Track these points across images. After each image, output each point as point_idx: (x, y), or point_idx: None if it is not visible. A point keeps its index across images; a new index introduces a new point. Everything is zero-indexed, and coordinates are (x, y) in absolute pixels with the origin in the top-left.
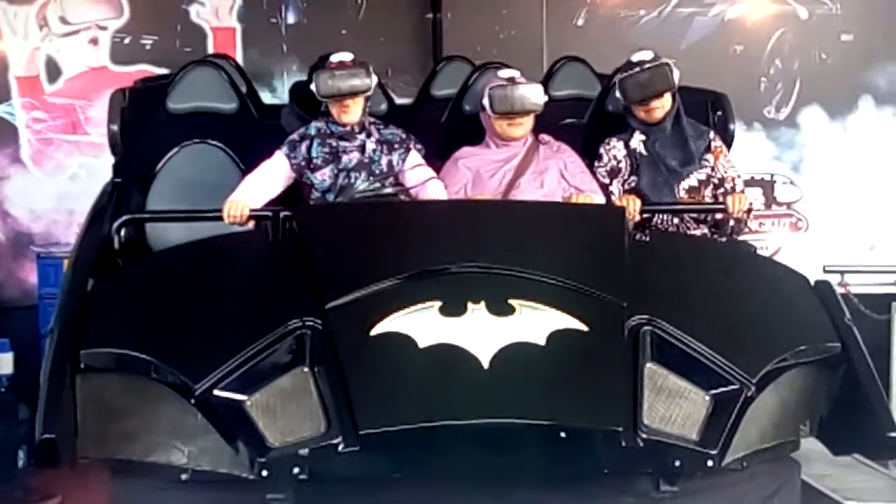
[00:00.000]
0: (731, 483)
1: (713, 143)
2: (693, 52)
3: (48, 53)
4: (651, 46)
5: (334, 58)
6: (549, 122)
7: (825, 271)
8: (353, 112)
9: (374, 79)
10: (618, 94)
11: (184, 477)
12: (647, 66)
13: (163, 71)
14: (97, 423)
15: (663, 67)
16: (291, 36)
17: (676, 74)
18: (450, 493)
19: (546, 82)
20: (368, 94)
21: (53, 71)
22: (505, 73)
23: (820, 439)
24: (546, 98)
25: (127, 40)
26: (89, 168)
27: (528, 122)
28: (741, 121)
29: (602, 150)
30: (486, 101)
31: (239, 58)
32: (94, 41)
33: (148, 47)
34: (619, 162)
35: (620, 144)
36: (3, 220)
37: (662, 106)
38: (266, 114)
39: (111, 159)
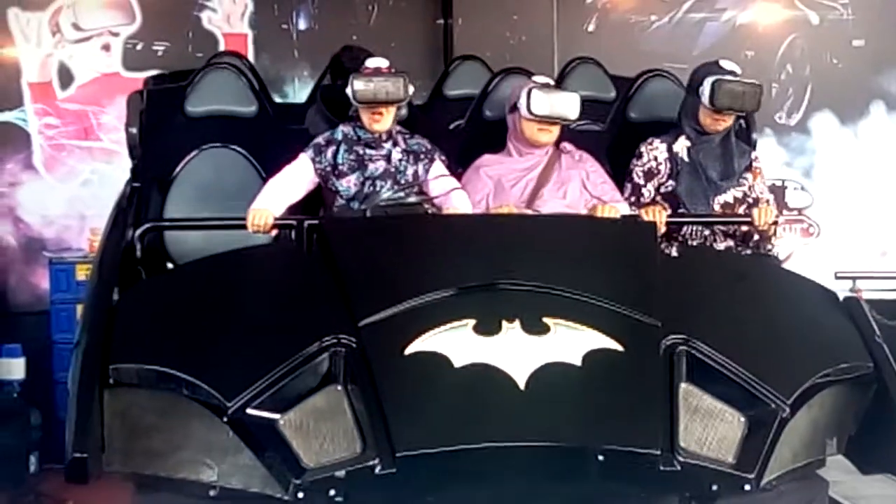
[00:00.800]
0: (760, 501)
1: (754, 164)
2: (704, 57)
3: (61, 60)
4: (662, 52)
5: (370, 63)
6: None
7: (837, 277)
8: (384, 121)
9: (412, 89)
10: (705, 89)
11: (212, 493)
12: (745, 80)
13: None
14: (124, 437)
15: (760, 88)
16: (303, 42)
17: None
18: None
19: (559, 83)
20: (402, 103)
21: (66, 77)
22: (541, 78)
23: (847, 457)
24: (579, 110)
25: (139, 46)
26: (101, 174)
27: (557, 130)
28: None
29: (643, 149)
30: (521, 102)
31: None
32: (107, 47)
33: (160, 53)
34: (658, 163)
35: (664, 146)
36: (16, 225)
37: (729, 121)
38: (280, 113)
39: (123, 165)
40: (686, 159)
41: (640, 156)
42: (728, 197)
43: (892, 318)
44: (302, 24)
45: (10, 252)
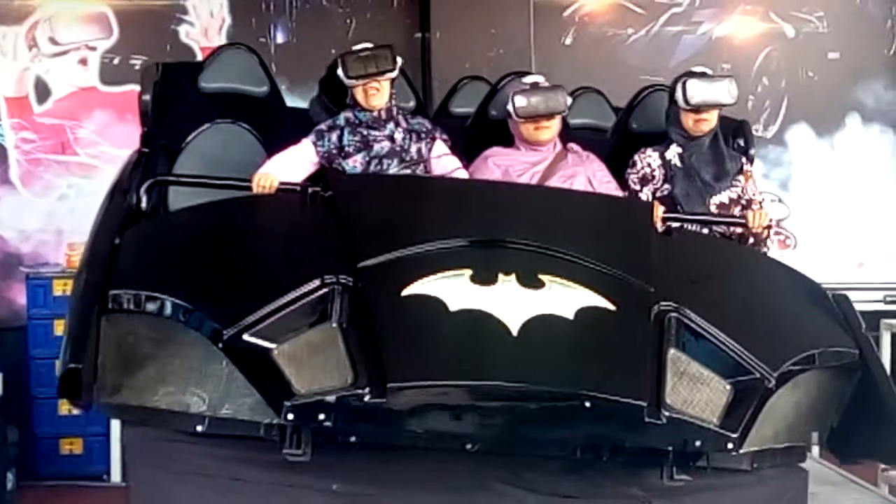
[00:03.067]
0: (739, 485)
1: (745, 167)
2: (681, 70)
3: (37, 74)
4: (639, 65)
5: (357, 47)
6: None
7: None
8: (380, 95)
9: (399, 61)
10: (678, 93)
11: (199, 428)
12: (716, 74)
13: None
14: (118, 367)
15: (733, 81)
16: (281, 56)
17: (737, 91)
18: (462, 469)
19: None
20: (394, 76)
21: (42, 91)
22: (529, 78)
23: (829, 447)
24: (570, 99)
25: (116, 60)
26: (78, 188)
27: (554, 125)
28: None
29: (637, 158)
30: (510, 107)
31: None
32: (84, 62)
33: (137, 67)
34: (652, 170)
35: (656, 154)
36: None
37: (711, 120)
38: (290, 118)
39: (101, 179)
40: (679, 164)
41: (633, 164)
42: (723, 198)
43: (869, 330)
44: (280, 38)
45: None
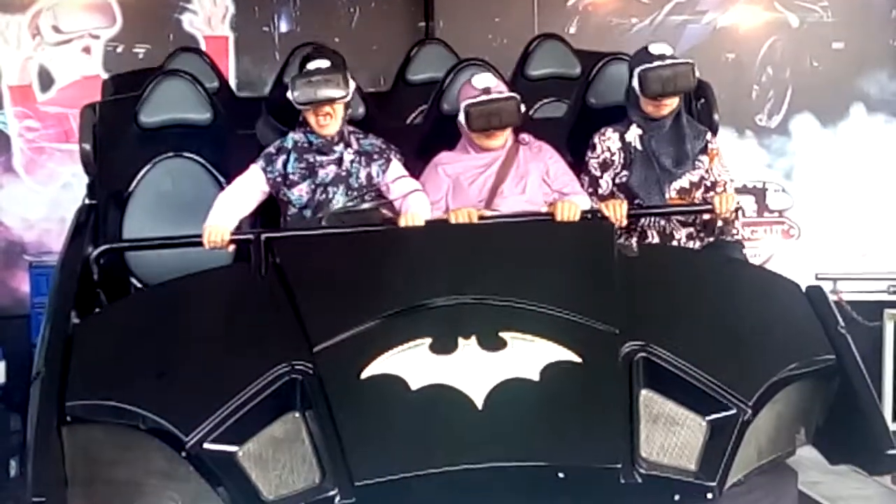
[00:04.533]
0: (728, 496)
1: (710, 145)
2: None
3: (41, 62)
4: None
5: (311, 65)
6: (528, 103)
7: (817, 278)
8: (333, 122)
9: (353, 85)
10: (634, 83)
11: None
12: (671, 62)
13: None
14: (87, 473)
15: (689, 67)
16: (284, 44)
17: (696, 74)
18: None
19: (522, 62)
20: (347, 100)
21: (46, 80)
22: (479, 80)
23: (816, 447)
24: (523, 109)
25: (119, 49)
26: (82, 177)
27: (506, 132)
28: (733, 128)
29: (596, 140)
30: (461, 118)
31: (231, 66)
32: (87, 50)
33: (140, 56)
34: (612, 154)
35: (616, 136)
36: None
37: (672, 104)
38: (241, 108)
39: None
40: (639, 148)
41: (593, 147)
42: (683, 182)
43: (872, 319)
44: (283, 27)
45: None
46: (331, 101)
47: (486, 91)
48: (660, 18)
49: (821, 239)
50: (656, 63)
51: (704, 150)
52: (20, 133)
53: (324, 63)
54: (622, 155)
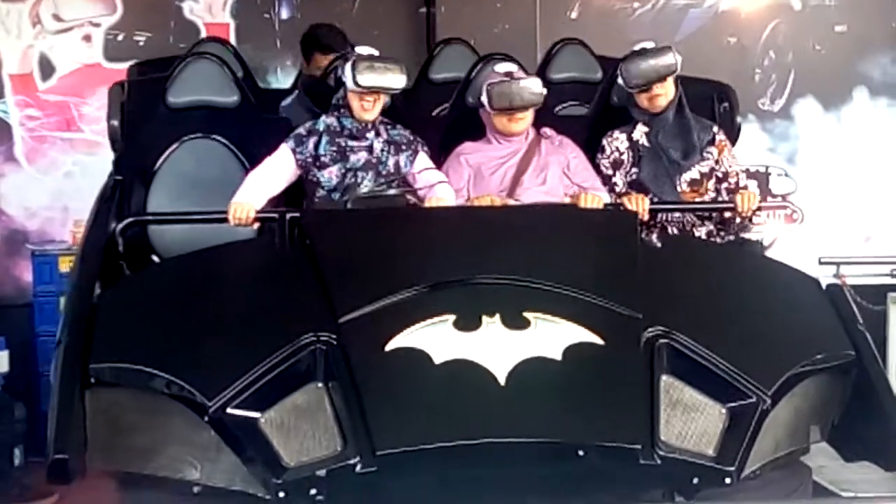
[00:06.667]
0: (743, 489)
1: (717, 137)
2: (687, 44)
3: (41, 51)
4: (645, 38)
5: (362, 50)
6: (549, 105)
7: (821, 263)
8: (375, 109)
9: (405, 79)
10: (620, 80)
11: (195, 490)
12: (651, 50)
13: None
14: (107, 436)
15: (665, 51)
16: (285, 31)
17: (678, 59)
18: None
19: (544, 66)
20: (397, 92)
21: (47, 68)
22: (502, 67)
23: (831, 444)
24: (544, 91)
25: (120, 37)
26: (84, 165)
27: (528, 115)
28: None
29: (605, 142)
30: (484, 98)
31: None
32: (88, 38)
33: (141, 44)
34: (621, 154)
35: (623, 136)
36: None
37: (665, 93)
38: (264, 100)
39: (106, 156)
40: (646, 144)
41: (603, 149)
42: (694, 174)
43: (876, 304)
44: (284, 14)
45: None
46: (388, 90)
47: (509, 75)
48: (661, 3)
49: (824, 223)
50: (635, 58)
51: (713, 142)
52: (21, 122)
53: (374, 51)
54: (631, 153)
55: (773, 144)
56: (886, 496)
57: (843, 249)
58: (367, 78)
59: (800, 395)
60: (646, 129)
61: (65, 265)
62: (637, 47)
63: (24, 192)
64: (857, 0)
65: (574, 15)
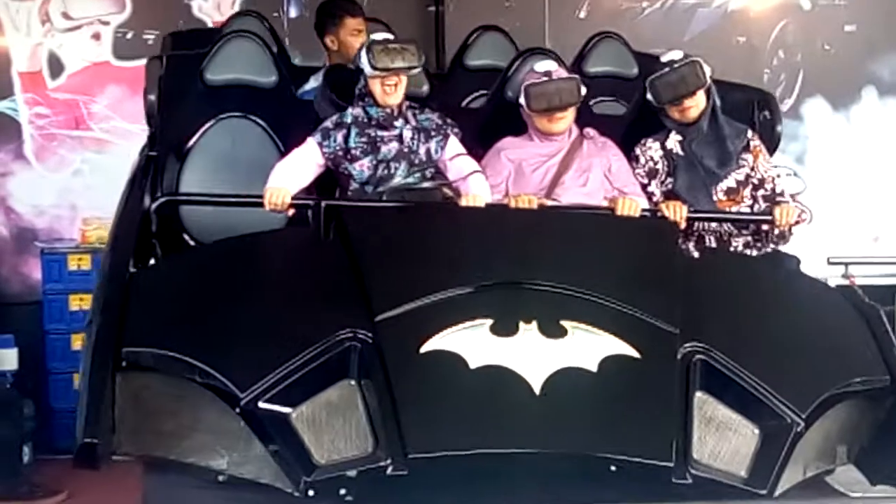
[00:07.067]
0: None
1: (752, 143)
2: (696, 43)
3: (50, 49)
4: (654, 39)
5: (377, 35)
6: (585, 100)
7: (829, 263)
8: (398, 92)
9: (423, 57)
10: (649, 96)
11: (221, 479)
12: (677, 65)
13: None
14: (136, 419)
15: (694, 65)
16: (294, 29)
17: (708, 71)
18: None
19: (580, 59)
20: (417, 72)
21: (56, 66)
22: (542, 65)
23: (858, 466)
24: (584, 90)
25: (129, 35)
26: (92, 163)
27: (569, 115)
28: None
29: (638, 152)
30: (522, 99)
31: None
32: (97, 36)
33: (150, 42)
34: (655, 163)
35: (657, 145)
36: (7, 215)
37: (696, 105)
38: (298, 75)
39: (114, 154)
40: (681, 153)
41: (636, 159)
42: (730, 182)
43: (884, 303)
44: (293, 12)
45: (1, 242)
46: (407, 70)
47: (548, 74)
48: (670, 2)
49: (833, 223)
50: (663, 71)
51: (747, 148)
52: (30, 120)
53: (389, 35)
54: (665, 162)
55: (782, 144)
56: (892, 497)
57: (852, 249)
58: (384, 60)
59: (832, 418)
60: (679, 137)
61: (73, 263)
62: (664, 58)
63: (32, 191)
64: (867, 0)
65: (583, 14)
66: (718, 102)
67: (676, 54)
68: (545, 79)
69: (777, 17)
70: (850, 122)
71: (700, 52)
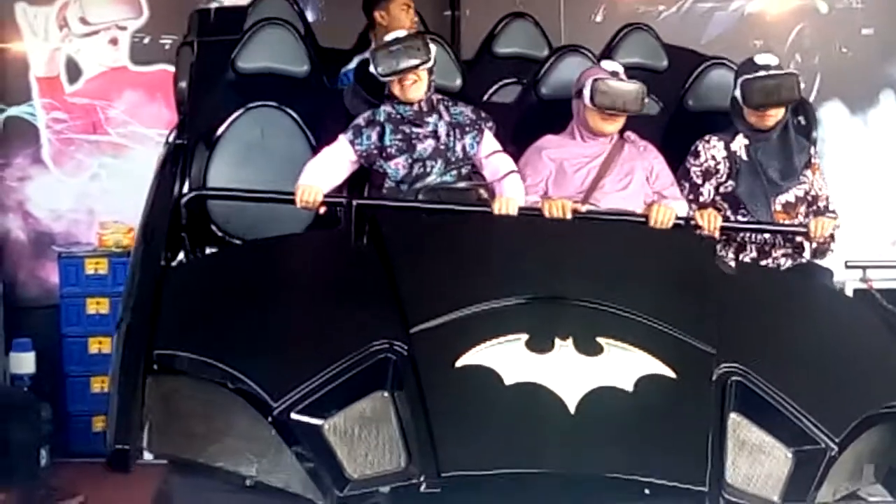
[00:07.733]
0: None
1: (813, 160)
2: (712, 47)
3: (68, 54)
4: (670, 41)
5: (389, 36)
6: None
7: (847, 266)
8: (417, 88)
9: (434, 49)
10: (737, 92)
11: (248, 483)
12: (776, 72)
13: None
14: (165, 421)
15: (793, 78)
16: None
17: (802, 87)
18: None
19: (609, 51)
20: (429, 66)
21: (73, 71)
22: (609, 65)
23: (886, 486)
24: (647, 99)
25: (146, 40)
26: (110, 168)
27: (622, 119)
28: None
29: (700, 148)
30: (586, 92)
31: None
32: (114, 41)
33: (167, 47)
34: (717, 163)
35: (721, 144)
36: (25, 220)
37: (777, 115)
38: (326, 58)
39: (131, 159)
40: (745, 158)
41: (696, 154)
42: (790, 196)
43: None
44: (309, 17)
45: (19, 246)
46: (413, 68)
47: (615, 74)
48: (687, 5)
49: (850, 226)
50: (760, 73)
51: (808, 164)
52: (48, 124)
53: (401, 32)
54: (727, 164)
55: None
56: None
57: (870, 253)
58: (386, 65)
59: (864, 440)
60: (746, 141)
61: (91, 267)
62: (758, 60)
63: (50, 195)
64: (884, 3)
65: (599, 18)
66: (790, 117)
67: (771, 59)
68: (613, 77)
69: (794, 21)
70: (868, 125)
71: (716, 55)
